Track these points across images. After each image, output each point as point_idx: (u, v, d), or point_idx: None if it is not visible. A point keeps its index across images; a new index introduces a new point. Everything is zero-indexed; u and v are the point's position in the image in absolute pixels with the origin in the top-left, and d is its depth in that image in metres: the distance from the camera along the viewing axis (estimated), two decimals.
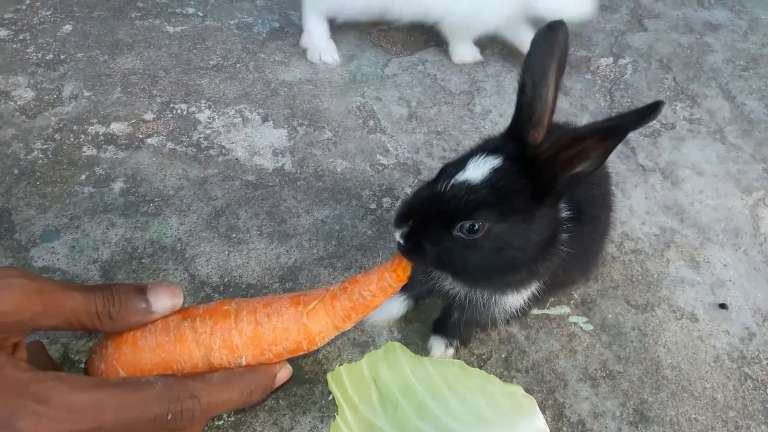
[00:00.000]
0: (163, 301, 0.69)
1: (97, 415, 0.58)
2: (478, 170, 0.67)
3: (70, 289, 0.64)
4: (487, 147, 0.69)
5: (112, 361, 0.69)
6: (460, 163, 0.68)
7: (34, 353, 0.71)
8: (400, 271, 0.72)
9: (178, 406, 0.62)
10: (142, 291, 0.68)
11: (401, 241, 0.69)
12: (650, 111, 0.57)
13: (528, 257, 0.71)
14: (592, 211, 0.82)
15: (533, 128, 0.66)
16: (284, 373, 0.73)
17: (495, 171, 0.66)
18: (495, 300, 0.78)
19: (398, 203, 0.72)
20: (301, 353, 0.72)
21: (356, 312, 0.73)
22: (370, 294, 0.72)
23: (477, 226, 0.66)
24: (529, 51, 0.66)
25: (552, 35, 0.66)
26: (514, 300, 0.79)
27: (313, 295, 0.73)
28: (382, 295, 0.73)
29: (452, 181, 0.67)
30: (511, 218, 0.67)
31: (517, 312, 0.82)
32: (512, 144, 0.68)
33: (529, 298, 0.80)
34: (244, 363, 0.70)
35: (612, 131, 0.61)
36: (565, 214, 0.74)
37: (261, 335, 0.70)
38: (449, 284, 0.79)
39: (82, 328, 0.65)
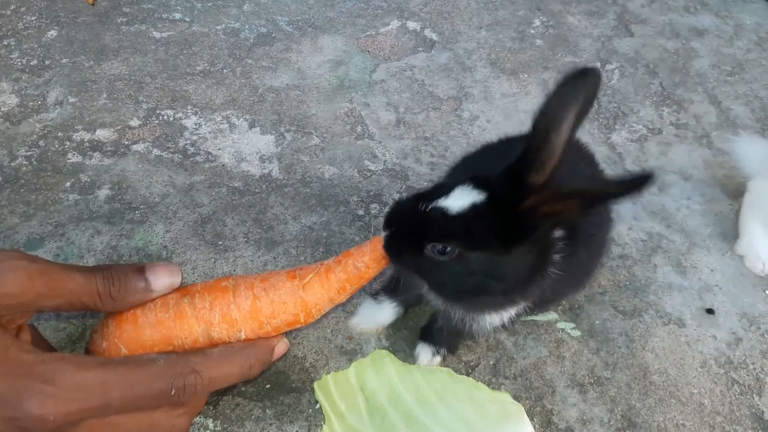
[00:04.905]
0: (162, 279, 0.71)
1: (102, 393, 0.59)
2: (459, 201, 0.66)
3: (71, 270, 0.65)
4: (478, 177, 0.69)
5: (113, 339, 0.71)
6: (448, 187, 0.69)
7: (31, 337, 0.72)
8: None
9: (181, 382, 0.64)
10: (141, 270, 0.70)
11: (384, 244, 0.71)
12: (640, 184, 0.57)
13: (505, 286, 0.70)
14: (588, 230, 0.80)
15: (535, 172, 0.64)
16: (282, 346, 0.76)
17: (474, 207, 0.66)
18: (472, 317, 0.78)
19: (390, 204, 0.73)
20: (299, 326, 0.75)
21: (351, 283, 0.75)
22: (364, 265, 0.74)
23: (448, 249, 0.66)
24: (552, 93, 0.63)
25: (582, 83, 0.62)
26: (494, 319, 0.78)
27: (309, 269, 0.76)
28: (376, 267, 0.75)
29: (433, 204, 0.67)
30: (482, 249, 0.67)
31: (502, 327, 0.81)
32: (505, 180, 0.67)
33: (514, 316, 0.79)
34: (243, 337, 0.72)
35: (596, 198, 0.61)
36: (557, 233, 0.72)
37: (259, 309, 0.72)
38: (427, 292, 0.79)
39: (84, 308, 0.67)
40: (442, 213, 0.67)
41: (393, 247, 0.70)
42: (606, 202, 0.61)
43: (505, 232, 0.66)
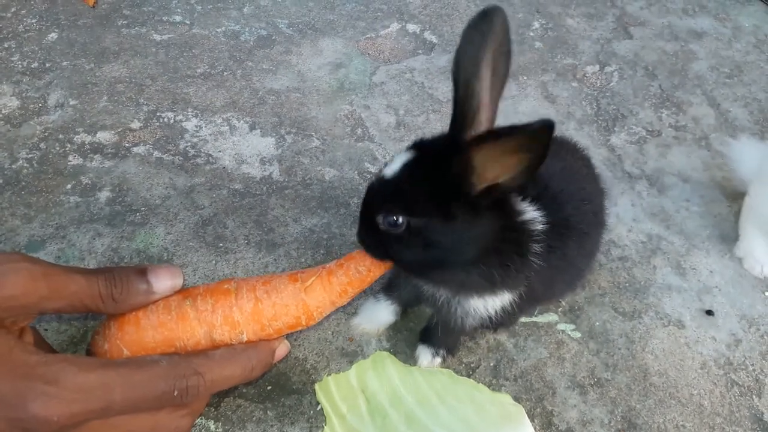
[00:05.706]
0: (164, 281, 0.71)
1: (105, 394, 0.60)
2: (394, 165, 0.66)
3: (73, 272, 0.66)
4: (417, 142, 0.69)
5: (115, 341, 0.71)
6: (395, 156, 0.69)
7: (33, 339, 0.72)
8: None
9: (184, 383, 0.64)
10: (142, 272, 0.70)
11: (357, 232, 0.71)
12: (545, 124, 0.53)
13: (466, 258, 0.68)
14: (580, 228, 0.79)
15: (468, 127, 0.63)
16: (282, 349, 0.77)
17: (405, 167, 0.66)
18: (458, 300, 0.76)
19: None
20: (300, 328, 0.75)
21: (352, 287, 0.75)
22: (366, 269, 0.74)
23: (399, 220, 0.65)
24: (460, 42, 0.61)
25: (486, 24, 0.60)
26: (479, 305, 0.76)
27: (311, 272, 0.76)
28: (377, 270, 0.75)
29: (379, 175, 0.68)
30: (425, 215, 0.65)
31: (490, 320, 0.79)
32: (444, 142, 0.66)
33: (502, 308, 0.77)
34: (245, 339, 0.73)
35: (509, 135, 0.56)
36: (540, 226, 0.71)
37: (261, 311, 0.73)
38: (422, 288, 0.78)
39: (86, 310, 0.67)
40: (381, 180, 0.67)
41: (359, 233, 0.71)
42: (523, 137, 0.56)
43: (441, 192, 0.64)
